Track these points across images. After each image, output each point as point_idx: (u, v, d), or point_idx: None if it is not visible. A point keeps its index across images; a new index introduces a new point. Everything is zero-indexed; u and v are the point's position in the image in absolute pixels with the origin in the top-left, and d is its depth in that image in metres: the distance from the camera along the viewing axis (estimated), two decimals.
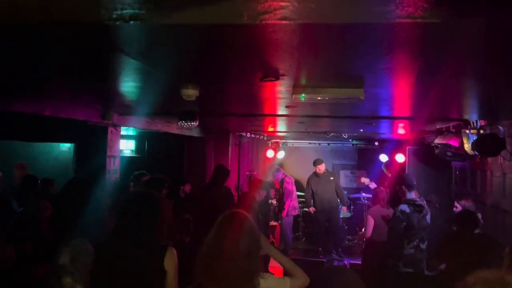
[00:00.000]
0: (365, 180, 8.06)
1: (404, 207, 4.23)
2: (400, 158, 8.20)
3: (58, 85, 3.31)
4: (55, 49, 2.03)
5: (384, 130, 7.17)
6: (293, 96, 2.63)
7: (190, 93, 2.74)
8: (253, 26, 1.45)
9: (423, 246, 4.32)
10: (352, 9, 1.32)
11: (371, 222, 5.53)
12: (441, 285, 3.84)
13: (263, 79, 2.26)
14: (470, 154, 4.79)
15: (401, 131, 6.58)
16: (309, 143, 10.72)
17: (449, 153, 5.47)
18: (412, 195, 4.35)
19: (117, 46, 1.91)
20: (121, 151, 7.32)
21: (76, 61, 2.35)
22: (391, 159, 8.54)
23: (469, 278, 1.82)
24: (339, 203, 8.22)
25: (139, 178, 5.15)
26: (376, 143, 9.94)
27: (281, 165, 9.89)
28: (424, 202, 4.41)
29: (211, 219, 5.62)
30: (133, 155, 7.86)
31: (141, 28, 1.58)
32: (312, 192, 8.11)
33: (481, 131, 4.55)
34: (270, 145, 10.68)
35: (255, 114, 5.14)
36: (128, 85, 3.07)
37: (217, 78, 2.60)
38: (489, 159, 5.30)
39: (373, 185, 7.60)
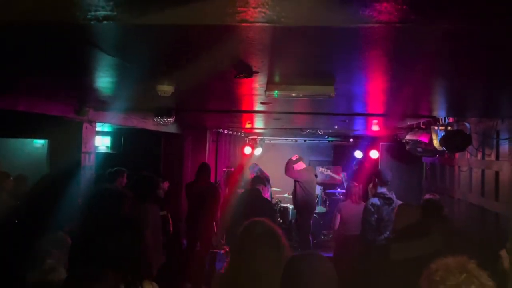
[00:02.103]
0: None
1: (374, 200, 4.40)
2: (374, 154, 8.41)
3: (32, 81, 3.28)
4: (29, 46, 2.03)
5: (358, 127, 7.33)
6: (267, 92, 2.70)
7: (166, 89, 2.78)
8: (224, 26, 1.51)
9: None
10: (325, 14, 1.38)
11: (337, 217, 5.77)
12: (411, 274, 3.98)
13: (237, 76, 2.32)
14: (439, 149, 4.98)
15: (375, 127, 6.74)
16: (286, 139, 10.83)
17: (419, 149, 5.66)
18: (383, 189, 4.52)
19: (93, 43, 1.93)
20: (96, 147, 7.26)
21: (50, 57, 2.35)
22: (367, 155, 8.74)
23: (432, 265, 1.93)
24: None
25: (115, 175, 5.13)
26: (351, 140, 10.13)
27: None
28: (394, 195, 4.58)
29: (196, 214, 5.52)
30: (109, 151, 7.79)
31: (116, 27, 1.61)
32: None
33: (449, 128, 4.74)
34: (247, 141, 10.74)
35: (232, 111, 5.19)
36: (103, 81, 3.07)
37: (192, 74, 2.64)
38: (457, 155, 5.51)
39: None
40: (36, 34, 1.78)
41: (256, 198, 4.98)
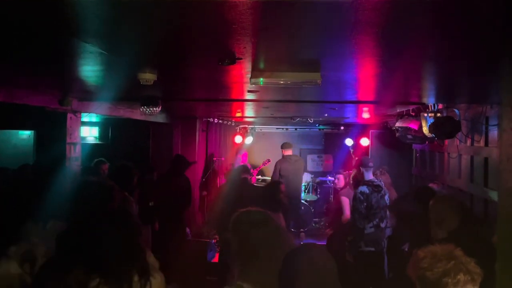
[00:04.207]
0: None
1: (363, 188, 4.39)
2: (364, 142, 8.39)
3: (11, 70, 3.19)
4: (4, 31, 1.95)
5: (348, 114, 7.30)
6: (252, 80, 2.63)
7: (148, 77, 2.70)
8: (204, 3, 1.44)
9: (383, 225, 4.48)
10: None
11: (346, 202, 5.33)
12: (401, 262, 3.99)
13: (220, 63, 2.25)
14: (428, 136, 4.97)
15: (365, 115, 6.72)
16: (277, 128, 10.79)
17: (409, 136, 5.64)
18: (370, 176, 4.50)
19: (71, 28, 1.85)
20: (84, 138, 7.15)
21: (28, 46, 2.27)
22: (357, 143, 8.72)
23: (420, 252, 1.92)
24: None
25: (98, 166, 5.05)
26: (342, 128, 10.11)
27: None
28: (382, 183, 4.57)
29: (167, 209, 5.40)
30: (97, 142, 7.70)
31: (95, 6, 1.54)
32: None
33: (438, 114, 4.71)
34: (238, 130, 10.68)
35: (219, 99, 5.12)
36: (85, 70, 2.99)
37: (175, 61, 2.57)
38: (446, 141, 5.51)
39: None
40: (12, 15, 1.69)
41: (246, 187, 5.06)
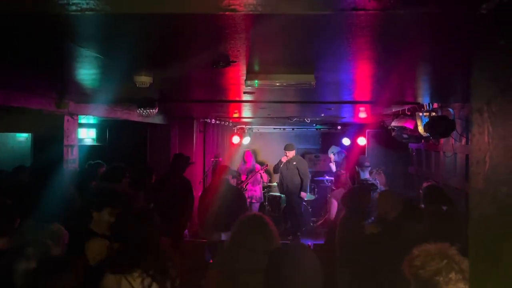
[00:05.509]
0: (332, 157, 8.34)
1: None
2: (361, 141, 8.43)
3: (8, 73, 3.21)
4: (5, 37, 1.97)
5: (345, 114, 7.33)
6: (247, 82, 2.66)
7: (143, 80, 2.72)
8: (200, 14, 1.46)
9: None
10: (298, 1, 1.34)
11: (334, 204, 5.60)
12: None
13: (214, 66, 2.28)
14: (424, 135, 5.01)
15: (362, 115, 6.75)
16: (274, 128, 10.81)
17: (405, 135, 5.68)
18: (366, 175, 4.54)
19: (68, 35, 1.87)
20: (82, 139, 7.17)
21: (25, 50, 2.29)
22: (351, 145, 8.76)
23: (414, 250, 1.94)
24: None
25: (94, 168, 5.06)
26: (339, 127, 10.14)
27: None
28: (377, 181, 4.61)
29: (166, 211, 5.39)
30: (95, 143, 7.71)
31: (92, 18, 1.56)
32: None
33: (433, 114, 4.75)
34: (235, 131, 10.70)
35: (216, 100, 5.14)
36: (81, 73, 3.01)
37: (170, 65, 2.59)
38: (442, 140, 5.55)
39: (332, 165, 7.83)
40: (13, 25, 1.72)
41: (225, 188, 5.09)
